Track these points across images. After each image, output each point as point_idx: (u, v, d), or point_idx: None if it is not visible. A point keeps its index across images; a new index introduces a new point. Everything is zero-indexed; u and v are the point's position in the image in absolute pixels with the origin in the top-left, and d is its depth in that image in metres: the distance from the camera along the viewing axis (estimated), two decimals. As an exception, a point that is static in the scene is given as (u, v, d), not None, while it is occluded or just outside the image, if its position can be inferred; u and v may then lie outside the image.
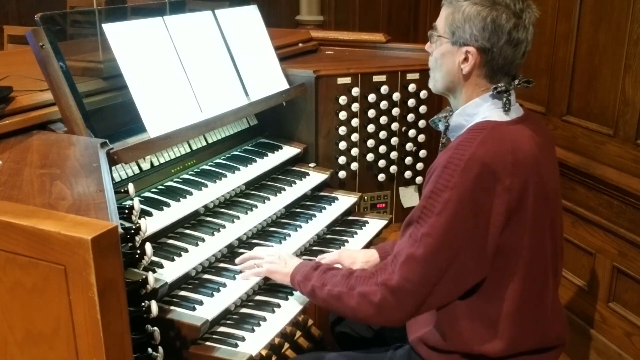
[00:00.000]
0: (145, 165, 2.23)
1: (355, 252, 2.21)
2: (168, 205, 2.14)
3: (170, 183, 2.29)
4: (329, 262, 2.11)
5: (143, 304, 1.56)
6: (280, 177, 2.66)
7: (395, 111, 2.85)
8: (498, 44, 1.66)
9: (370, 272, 1.76)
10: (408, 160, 2.95)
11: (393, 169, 2.95)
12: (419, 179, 3.00)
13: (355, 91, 2.78)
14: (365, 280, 1.73)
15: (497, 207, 1.61)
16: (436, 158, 1.73)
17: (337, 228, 2.57)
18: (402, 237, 1.72)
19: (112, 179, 1.88)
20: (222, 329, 1.91)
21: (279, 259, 2.02)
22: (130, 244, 1.58)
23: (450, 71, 1.75)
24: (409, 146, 2.94)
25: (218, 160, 2.53)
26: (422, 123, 2.92)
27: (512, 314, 1.70)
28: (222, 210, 2.32)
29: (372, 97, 2.82)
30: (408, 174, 2.98)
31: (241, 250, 2.21)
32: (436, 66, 1.80)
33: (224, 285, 2.00)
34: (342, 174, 2.85)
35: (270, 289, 2.10)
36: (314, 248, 2.38)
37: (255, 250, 2.11)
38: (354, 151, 2.85)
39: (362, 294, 1.70)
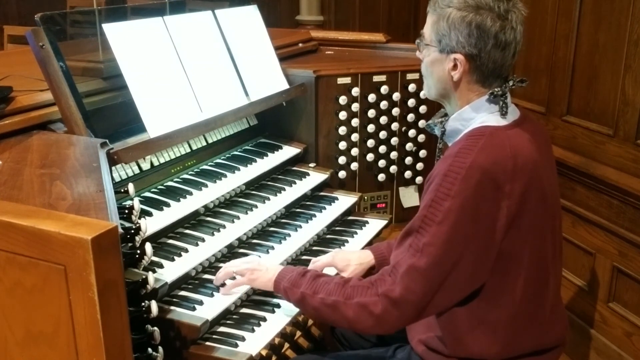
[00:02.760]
0: (145, 165, 2.23)
1: (349, 254, 2.17)
2: (168, 205, 2.14)
3: (170, 183, 2.29)
4: (322, 265, 2.08)
5: (143, 304, 1.56)
6: (280, 177, 2.66)
7: (395, 111, 2.85)
8: (485, 49, 1.63)
9: (369, 281, 1.72)
10: (408, 160, 2.95)
11: (393, 169, 2.95)
12: (419, 179, 3.00)
13: (355, 91, 2.78)
14: (363, 290, 1.69)
15: (499, 214, 1.60)
16: (435, 166, 1.71)
17: (337, 228, 2.57)
18: (400, 246, 1.69)
19: (112, 179, 1.88)
20: (222, 329, 1.91)
21: (258, 265, 1.96)
22: (130, 244, 1.58)
23: (441, 78, 1.74)
24: (409, 146, 2.94)
25: (218, 160, 2.53)
26: (422, 123, 2.92)
27: (513, 317, 1.69)
28: (222, 210, 2.32)
29: (372, 97, 2.82)
30: (408, 174, 2.98)
31: (241, 251, 2.21)
32: (427, 74, 1.79)
33: (224, 285, 2.00)
34: (342, 174, 2.85)
35: (270, 289, 2.10)
36: (314, 248, 2.38)
37: (228, 264, 2.03)
38: (354, 151, 2.85)
39: (361, 304, 1.67)
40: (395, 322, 1.66)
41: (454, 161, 1.61)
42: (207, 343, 1.84)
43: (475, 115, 1.71)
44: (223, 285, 1.99)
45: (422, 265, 1.60)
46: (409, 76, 2.85)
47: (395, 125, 2.88)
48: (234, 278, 1.99)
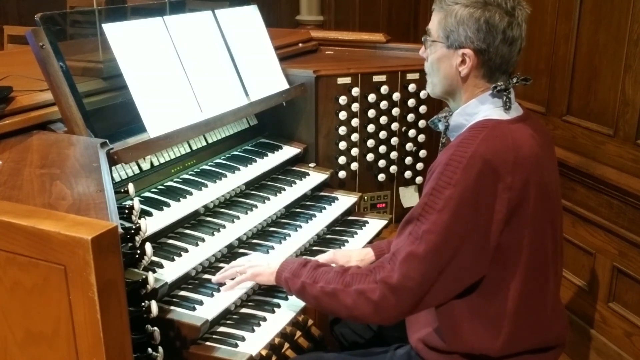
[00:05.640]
0: (145, 165, 2.23)
1: (350, 251, 2.20)
2: (168, 205, 2.14)
3: (170, 183, 2.29)
4: (323, 262, 2.09)
5: (143, 304, 1.56)
6: (280, 177, 2.66)
7: (395, 111, 2.85)
8: (494, 44, 1.67)
9: (367, 269, 1.74)
10: (408, 160, 2.95)
11: (393, 169, 2.95)
12: (419, 179, 3.00)
13: (355, 91, 2.78)
14: (362, 277, 1.71)
15: (499, 205, 1.61)
16: (437, 157, 1.73)
17: (337, 228, 2.57)
18: (401, 234, 1.71)
19: (112, 179, 1.88)
20: (222, 329, 1.91)
21: (259, 261, 1.99)
22: (130, 244, 1.58)
23: (448, 75, 1.75)
24: (409, 146, 2.94)
25: (218, 160, 2.53)
26: (422, 123, 2.92)
27: (513, 313, 1.70)
28: (222, 210, 2.32)
29: (372, 97, 2.82)
30: (408, 174, 2.98)
31: (241, 251, 2.21)
32: (433, 71, 1.80)
33: (224, 285, 2.00)
34: (342, 174, 2.85)
35: (270, 288, 2.09)
36: (314, 248, 2.38)
37: (232, 263, 2.06)
38: (354, 151, 2.85)
39: (359, 291, 1.69)
40: (393, 309, 1.67)
41: (455, 151, 1.63)
42: (207, 343, 1.84)
43: (479, 110, 1.73)
44: (223, 284, 2.00)
45: (420, 252, 1.61)
46: (409, 76, 2.85)
47: (395, 125, 2.88)
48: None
